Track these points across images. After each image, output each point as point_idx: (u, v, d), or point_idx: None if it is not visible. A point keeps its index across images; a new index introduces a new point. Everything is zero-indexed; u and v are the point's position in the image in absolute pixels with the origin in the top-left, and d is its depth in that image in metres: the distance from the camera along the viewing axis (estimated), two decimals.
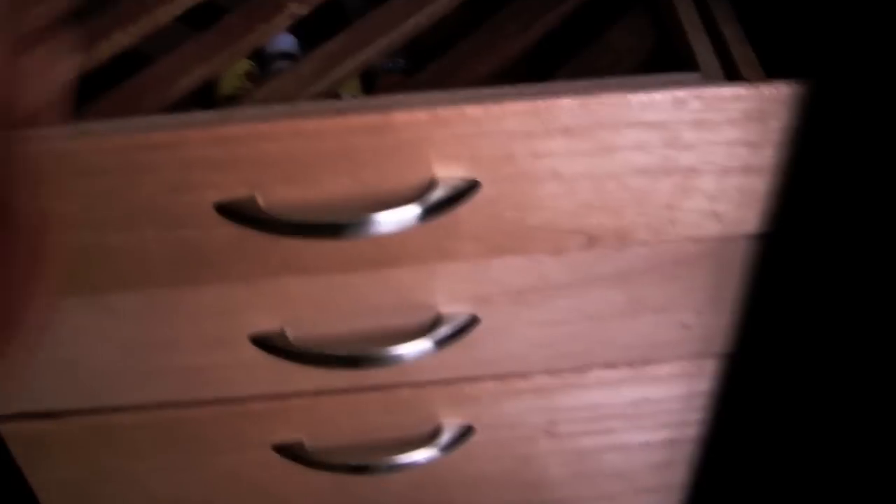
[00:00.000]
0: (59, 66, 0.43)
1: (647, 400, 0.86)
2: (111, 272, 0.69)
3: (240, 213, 0.64)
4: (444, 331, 0.75)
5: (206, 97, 0.77)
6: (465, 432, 0.85)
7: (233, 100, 0.76)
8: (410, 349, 0.75)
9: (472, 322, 0.76)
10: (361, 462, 0.84)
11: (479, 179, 0.66)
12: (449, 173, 0.65)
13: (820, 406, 0.83)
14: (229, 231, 0.66)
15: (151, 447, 0.82)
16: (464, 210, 0.67)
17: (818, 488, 0.85)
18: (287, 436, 0.83)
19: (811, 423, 0.85)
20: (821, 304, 0.78)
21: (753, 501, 0.94)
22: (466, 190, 0.66)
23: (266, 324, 0.74)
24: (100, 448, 0.82)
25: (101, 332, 0.73)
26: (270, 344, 0.75)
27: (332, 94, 0.72)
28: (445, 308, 0.76)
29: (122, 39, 0.74)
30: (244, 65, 0.80)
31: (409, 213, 0.65)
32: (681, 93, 0.63)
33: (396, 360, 0.75)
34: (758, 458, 0.91)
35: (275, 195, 0.65)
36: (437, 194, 0.65)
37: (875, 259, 0.71)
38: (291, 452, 0.83)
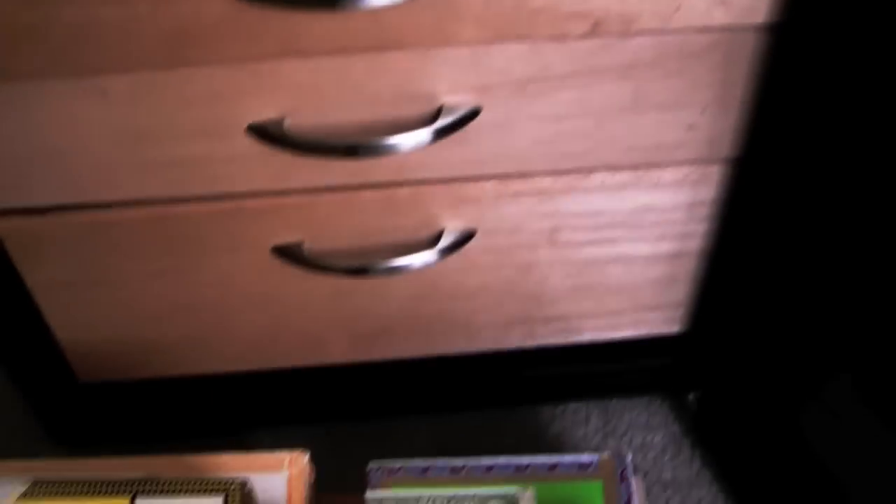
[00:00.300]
0: None
1: (650, 208, 0.85)
2: (102, 51, 0.67)
3: None
4: (444, 121, 0.73)
5: None
6: (467, 237, 0.83)
7: None
8: (409, 139, 0.73)
9: (474, 114, 0.74)
10: (360, 264, 0.83)
11: None
12: None
13: (827, 216, 0.82)
14: (223, 5, 0.64)
15: (147, 247, 0.81)
16: None
17: (821, 303, 0.84)
18: (286, 237, 0.82)
19: (818, 235, 0.84)
20: (835, 103, 0.76)
21: (755, 320, 0.94)
22: None
23: (264, 112, 0.73)
24: (95, 247, 0.81)
25: (91, 119, 0.72)
26: (268, 133, 0.73)
27: None
28: (447, 98, 0.74)
29: None
30: None
31: None
32: None
33: (394, 149, 0.73)
34: (761, 276, 0.90)
35: None
36: None
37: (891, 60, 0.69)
38: (290, 254, 0.82)
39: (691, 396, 1.05)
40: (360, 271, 0.83)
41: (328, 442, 1.03)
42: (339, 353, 0.94)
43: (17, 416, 1.06)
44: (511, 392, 1.03)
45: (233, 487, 0.78)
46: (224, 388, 0.99)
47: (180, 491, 0.78)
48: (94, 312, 0.87)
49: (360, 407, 1.03)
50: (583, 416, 1.06)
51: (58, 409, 0.98)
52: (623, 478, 0.90)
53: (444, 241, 0.83)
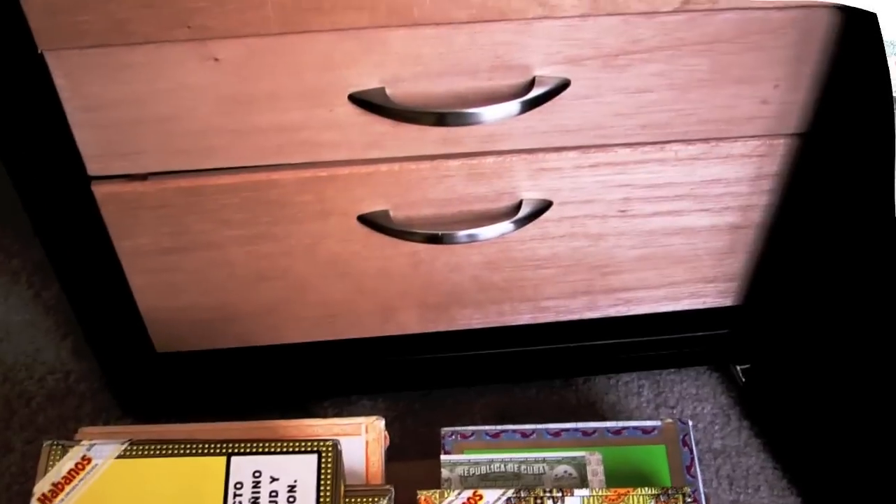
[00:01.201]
0: None
1: (718, 180, 0.89)
2: (221, 17, 0.70)
3: None
4: (536, 92, 0.77)
5: None
6: (544, 207, 0.87)
7: None
8: (500, 111, 0.77)
9: (564, 86, 0.78)
10: (441, 231, 0.86)
11: None
12: None
13: (888, 196, 0.85)
14: None
15: (237, 212, 0.84)
16: None
17: (874, 283, 0.87)
18: (373, 204, 0.85)
19: (877, 213, 0.87)
20: None
21: (808, 296, 0.97)
22: None
23: (366, 81, 0.76)
24: (188, 214, 0.84)
25: (201, 85, 0.75)
26: (369, 101, 0.76)
27: None
28: (540, 70, 0.77)
29: None
30: None
31: None
32: None
33: (485, 118, 0.77)
34: (817, 251, 0.93)
35: None
36: None
37: None
38: (375, 221, 0.85)
39: (739, 369, 1.09)
40: (440, 239, 0.87)
41: (393, 411, 1.06)
42: (409, 323, 0.97)
43: (86, 386, 1.08)
44: (567, 363, 1.07)
45: (326, 447, 0.81)
46: (289, 358, 1.01)
47: (274, 452, 0.81)
48: (180, 280, 0.89)
49: (422, 377, 1.06)
50: (635, 387, 1.09)
51: (133, 380, 1.00)
52: (685, 443, 0.94)
53: (523, 211, 0.86)
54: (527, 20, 0.74)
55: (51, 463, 0.79)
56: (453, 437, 0.95)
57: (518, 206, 0.86)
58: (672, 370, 1.10)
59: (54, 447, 0.79)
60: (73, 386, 1.09)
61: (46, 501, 0.77)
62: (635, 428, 0.96)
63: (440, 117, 0.77)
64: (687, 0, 0.74)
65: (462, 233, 0.86)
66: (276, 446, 0.81)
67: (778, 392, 1.05)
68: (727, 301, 1.01)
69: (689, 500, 0.84)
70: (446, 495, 0.83)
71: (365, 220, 0.85)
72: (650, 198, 0.89)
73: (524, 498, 0.83)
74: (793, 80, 0.81)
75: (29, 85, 0.73)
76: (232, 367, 1.00)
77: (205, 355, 0.98)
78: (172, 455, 0.80)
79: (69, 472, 0.79)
